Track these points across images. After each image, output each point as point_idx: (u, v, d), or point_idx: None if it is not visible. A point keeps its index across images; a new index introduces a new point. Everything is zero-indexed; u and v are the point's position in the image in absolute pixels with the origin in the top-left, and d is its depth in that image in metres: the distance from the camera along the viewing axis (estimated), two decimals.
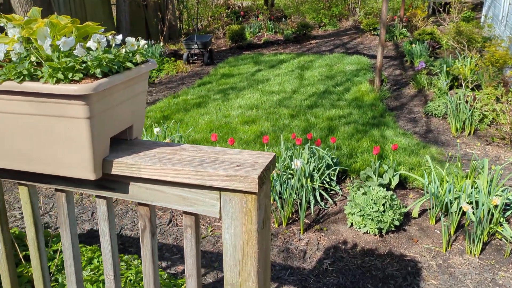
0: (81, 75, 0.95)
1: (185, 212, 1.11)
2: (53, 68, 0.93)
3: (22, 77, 0.98)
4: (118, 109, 1.07)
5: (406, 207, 3.51)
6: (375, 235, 3.25)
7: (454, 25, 7.79)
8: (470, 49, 6.81)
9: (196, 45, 8.53)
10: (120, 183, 1.13)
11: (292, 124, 5.28)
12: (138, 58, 1.09)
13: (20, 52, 1.02)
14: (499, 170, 3.33)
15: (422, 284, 2.77)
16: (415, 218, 3.44)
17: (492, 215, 3.18)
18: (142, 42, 1.09)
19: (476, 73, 5.93)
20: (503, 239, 3.16)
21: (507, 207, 3.37)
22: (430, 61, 7.25)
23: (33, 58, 1.00)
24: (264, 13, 11.94)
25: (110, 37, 1.05)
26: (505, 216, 3.26)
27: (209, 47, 8.84)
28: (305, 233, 3.31)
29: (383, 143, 4.65)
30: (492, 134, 4.92)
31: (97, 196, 1.20)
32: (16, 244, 2.55)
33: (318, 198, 3.63)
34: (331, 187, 3.82)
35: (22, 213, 3.58)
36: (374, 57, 8.36)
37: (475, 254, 3.02)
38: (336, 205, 3.67)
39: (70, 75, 0.94)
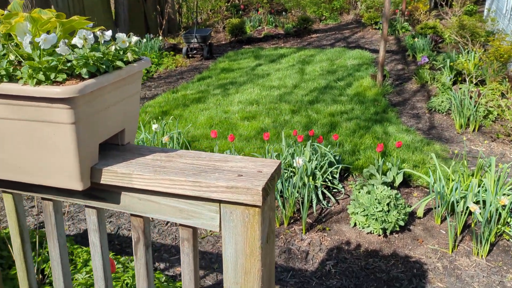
0: (65, 76, 0.85)
1: (181, 224, 1.02)
2: (33, 68, 0.84)
3: None
4: (108, 113, 0.97)
5: (410, 207, 3.42)
6: (379, 235, 3.16)
7: (456, 19, 7.67)
8: (473, 44, 6.70)
9: (195, 39, 8.40)
10: (111, 192, 1.04)
11: (293, 120, 5.18)
12: (130, 56, 0.99)
13: None
14: (506, 169, 3.24)
15: (428, 287, 2.68)
16: (420, 217, 3.35)
17: (500, 215, 3.09)
18: (134, 38, 0.99)
19: (480, 68, 5.83)
20: (510, 239, 3.08)
21: None
22: (432, 56, 7.14)
23: (12, 57, 0.90)
24: (264, 6, 11.80)
25: (98, 33, 0.95)
26: None
27: (209, 41, 8.72)
28: (307, 233, 3.22)
29: (386, 140, 4.56)
30: (497, 131, 4.82)
31: (86, 206, 1.11)
32: (9, 245, 2.47)
33: (321, 196, 3.54)
34: (334, 185, 3.73)
35: None
36: (375, 51, 8.24)
37: (482, 256, 2.93)
38: (338, 204, 3.58)
39: (52, 75, 0.84)
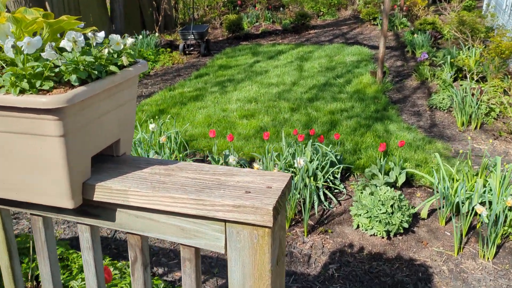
0: (52, 84, 0.76)
1: (183, 244, 0.93)
2: (17, 75, 0.74)
3: None
4: (101, 123, 0.88)
5: (414, 207, 3.34)
6: (383, 237, 3.09)
7: (456, 14, 7.58)
8: (474, 40, 6.62)
9: (192, 35, 8.29)
10: (105, 209, 0.95)
11: (293, 118, 5.09)
12: (125, 60, 0.89)
13: None
14: (511, 169, 3.17)
15: None
16: (424, 219, 3.28)
17: (506, 216, 3.02)
18: (130, 40, 0.90)
19: (481, 64, 5.75)
20: None
21: None
22: (432, 52, 7.06)
23: None
24: (262, 2, 11.68)
25: (89, 34, 0.86)
26: None
27: (206, 38, 8.60)
28: (309, 235, 3.14)
29: (387, 138, 4.48)
30: (500, 128, 4.75)
31: (78, 223, 1.02)
32: None
33: (322, 197, 3.46)
34: (335, 186, 3.64)
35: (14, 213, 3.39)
36: (374, 47, 8.16)
37: (488, 258, 2.86)
38: (340, 205, 3.50)
39: (37, 83, 0.75)
